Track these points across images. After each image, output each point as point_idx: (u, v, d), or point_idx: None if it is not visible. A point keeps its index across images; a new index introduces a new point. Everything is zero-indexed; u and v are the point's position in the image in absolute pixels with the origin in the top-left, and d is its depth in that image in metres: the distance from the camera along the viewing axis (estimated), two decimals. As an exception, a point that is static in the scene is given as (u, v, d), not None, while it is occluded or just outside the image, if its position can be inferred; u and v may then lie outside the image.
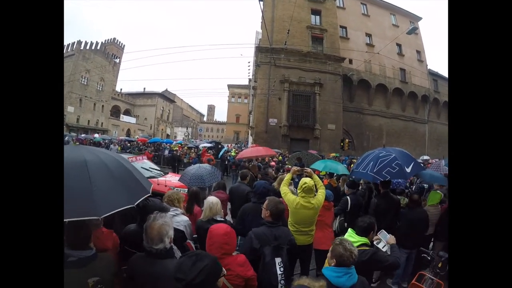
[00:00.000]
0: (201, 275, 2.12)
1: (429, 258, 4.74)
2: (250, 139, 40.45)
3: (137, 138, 41.96)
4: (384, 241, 3.72)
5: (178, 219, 3.91)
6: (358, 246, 3.32)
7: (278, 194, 5.65)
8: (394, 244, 3.74)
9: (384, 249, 3.63)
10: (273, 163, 12.27)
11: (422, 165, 17.34)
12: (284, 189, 4.89)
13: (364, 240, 3.52)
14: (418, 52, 43.05)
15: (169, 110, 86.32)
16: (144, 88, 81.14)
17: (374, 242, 3.71)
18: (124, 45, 72.40)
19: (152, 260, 2.50)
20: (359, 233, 3.58)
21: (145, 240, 2.53)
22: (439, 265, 4.51)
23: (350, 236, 3.59)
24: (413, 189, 9.53)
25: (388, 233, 3.88)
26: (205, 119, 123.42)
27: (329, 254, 2.77)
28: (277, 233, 3.58)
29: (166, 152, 25.47)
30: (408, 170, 5.43)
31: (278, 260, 3.32)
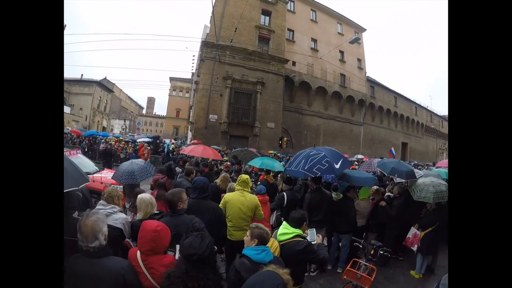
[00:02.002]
0: (208, 250, 2.45)
1: (360, 246, 5.08)
2: (190, 134, 39.87)
3: (70, 130, 37.75)
4: (310, 240, 3.84)
5: (116, 216, 3.83)
6: (293, 237, 3.61)
7: (221, 190, 5.86)
8: (320, 243, 3.93)
9: (311, 241, 3.79)
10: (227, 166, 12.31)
11: (356, 163, 18.31)
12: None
13: (298, 231, 3.66)
14: (359, 60, 45.32)
15: (106, 100, 79.23)
16: (82, 75, 73.21)
17: (304, 233, 3.86)
18: (65, 25, 65.67)
19: (89, 260, 2.42)
20: (293, 224, 3.71)
21: (80, 239, 2.44)
22: (371, 252, 4.97)
23: (285, 228, 3.72)
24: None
25: (317, 233, 4.07)
26: (144, 111, 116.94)
27: (247, 238, 3.12)
28: (176, 222, 3.70)
29: (102, 146, 23.87)
30: (337, 166, 5.84)
31: (177, 247, 3.35)
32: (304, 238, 3.70)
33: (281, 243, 3.57)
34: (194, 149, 11.17)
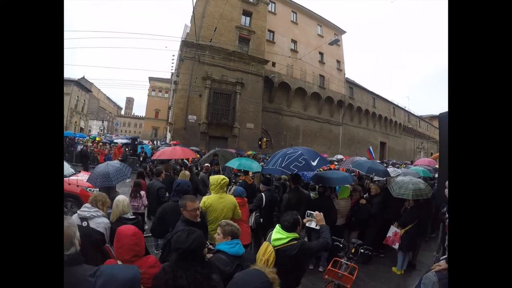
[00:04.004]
0: (194, 244, 2.50)
1: (341, 245, 5.08)
2: (169, 135, 39.57)
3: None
4: (315, 220, 3.93)
5: (99, 220, 3.83)
6: (288, 241, 3.50)
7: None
8: (323, 224, 3.92)
9: (317, 228, 3.96)
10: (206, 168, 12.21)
11: (336, 163, 18.50)
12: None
13: (293, 235, 3.56)
14: (338, 61, 45.89)
15: (84, 100, 76.60)
16: (59, 74, 73.04)
17: (307, 224, 4.04)
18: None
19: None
20: (288, 230, 3.60)
21: None
22: (352, 250, 4.95)
23: (279, 232, 3.61)
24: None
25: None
26: (122, 112, 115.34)
27: (219, 236, 3.27)
28: (178, 227, 3.64)
29: (79, 148, 23.41)
30: (314, 163, 5.88)
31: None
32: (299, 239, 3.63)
33: (276, 248, 3.45)
34: (162, 153, 10.98)
